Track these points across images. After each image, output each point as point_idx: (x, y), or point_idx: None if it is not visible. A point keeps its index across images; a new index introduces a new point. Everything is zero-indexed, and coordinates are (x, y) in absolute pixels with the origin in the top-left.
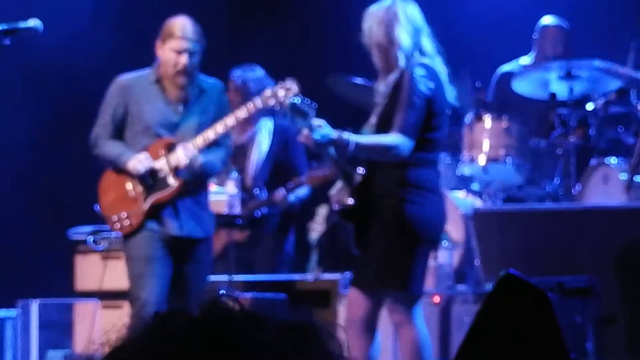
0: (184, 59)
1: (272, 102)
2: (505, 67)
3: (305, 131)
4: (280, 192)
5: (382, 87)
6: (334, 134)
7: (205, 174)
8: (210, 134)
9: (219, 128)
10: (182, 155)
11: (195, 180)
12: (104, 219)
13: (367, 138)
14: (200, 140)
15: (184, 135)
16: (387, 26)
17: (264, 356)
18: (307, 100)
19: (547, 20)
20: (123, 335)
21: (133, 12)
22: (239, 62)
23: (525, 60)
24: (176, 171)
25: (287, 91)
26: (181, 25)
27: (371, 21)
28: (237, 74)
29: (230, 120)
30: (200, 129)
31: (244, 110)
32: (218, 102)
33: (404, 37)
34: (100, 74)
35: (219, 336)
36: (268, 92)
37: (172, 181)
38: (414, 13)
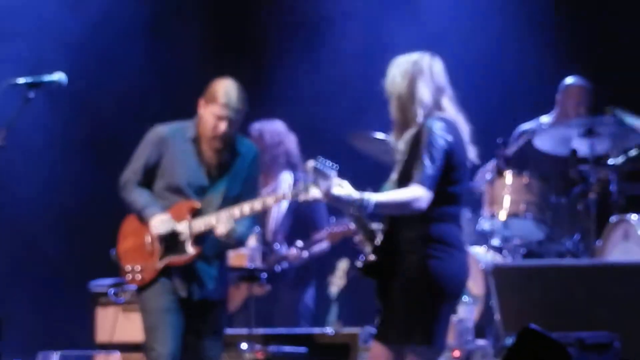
0: (222, 126)
1: (302, 197)
2: (525, 126)
3: (325, 191)
4: (293, 251)
5: (401, 144)
6: (354, 194)
7: (235, 245)
8: (236, 212)
9: (246, 209)
10: (222, 226)
11: (218, 249)
12: (119, 265)
13: (386, 195)
14: (242, 211)
15: (210, 200)
16: (410, 80)
17: None
18: (329, 162)
19: (571, 80)
20: None
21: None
22: (261, 117)
23: (546, 119)
24: (196, 238)
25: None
26: (225, 91)
27: (396, 71)
28: (256, 127)
29: (257, 205)
30: (226, 194)
31: (273, 198)
32: (249, 169)
33: (424, 92)
34: (126, 120)
35: None
36: (301, 186)
37: (190, 249)
38: (440, 71)
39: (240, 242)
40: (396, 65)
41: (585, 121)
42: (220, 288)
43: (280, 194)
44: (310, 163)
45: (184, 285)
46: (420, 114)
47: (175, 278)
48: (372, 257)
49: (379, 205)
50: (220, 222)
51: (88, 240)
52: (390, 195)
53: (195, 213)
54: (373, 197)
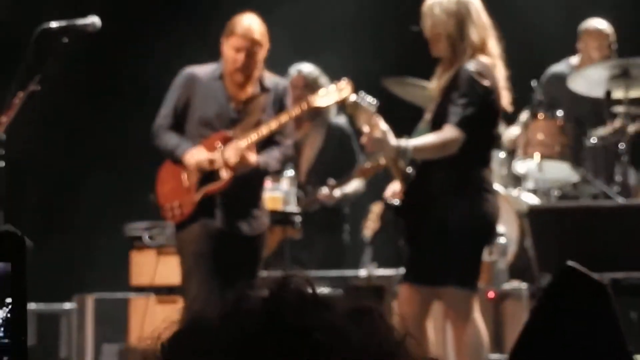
0: (241, 58)
1: (325, 102)
2: (555, 68)
3: (366, 132)
4: (325, 190)
5: (439, 81)
6: (393, 140)
7: (258, 173)
8: (263, 131)
9: (273, 125)
10: (232, 154)
11: (248, 176)
12: (159, 208)
13: (422, 140)
14: (253, 137)
15: (243, 132)
16: (458, 19)
17: (328, 337)
18: (369, 98)
19: (589, 24)
20: (197, 315)
21: None
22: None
23: (575, 60)
24: (230, 167)
25: (341, 92)
26: (243, 23)
27: (439, 11)
28: (293, 69)
29: (284, 118)
30: (259, 126)
31: (298, 108)
32: (280, 102)
33: (473, 31)
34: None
35: (285, 316)
36: (323, 91)
37: (224, 174)
38: (482, 11)
39: (262, 170)
40: (438, 5)
41: (620, 62)
42: (258, 223)
43: (303, 103)
44: (352, 97)
45: (221, 216)
46: (468, 53)
47: (214, 210)
48: (404, 198)
49: (417, 150)
50: (229, 150)
51: (124, 183)
52: (426, 139)
53: (228, 142)
54: (410, 142)
